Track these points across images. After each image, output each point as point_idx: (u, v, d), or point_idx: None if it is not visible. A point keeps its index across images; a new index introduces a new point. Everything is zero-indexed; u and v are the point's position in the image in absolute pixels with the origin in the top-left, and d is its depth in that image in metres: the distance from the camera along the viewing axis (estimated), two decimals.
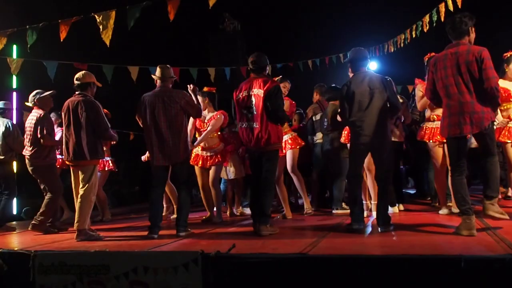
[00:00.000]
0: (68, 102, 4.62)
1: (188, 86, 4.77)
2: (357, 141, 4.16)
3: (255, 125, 4.16)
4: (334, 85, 6.01)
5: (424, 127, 4.92)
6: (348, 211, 5.47)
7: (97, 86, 4.79)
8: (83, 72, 4.76)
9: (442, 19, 7.07)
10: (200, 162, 5.48)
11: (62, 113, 4.67)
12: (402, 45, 8.60)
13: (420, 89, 4.89)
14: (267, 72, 4.41)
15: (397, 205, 5.53)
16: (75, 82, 4.66)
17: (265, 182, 4.23)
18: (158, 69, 4.57)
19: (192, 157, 5.44)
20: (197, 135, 5.54)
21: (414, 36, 8.09)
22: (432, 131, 4.81)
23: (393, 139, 5.38)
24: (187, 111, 4.51)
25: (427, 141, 4.87)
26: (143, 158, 6.00)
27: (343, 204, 5.68)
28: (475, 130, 3.56)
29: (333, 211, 5.67)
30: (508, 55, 5.08)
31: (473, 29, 3.70)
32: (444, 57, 3.68)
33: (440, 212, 4.90)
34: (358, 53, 4.29)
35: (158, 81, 4.55)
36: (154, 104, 4.40)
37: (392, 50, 9.01)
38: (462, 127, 3.57)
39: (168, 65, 4.63)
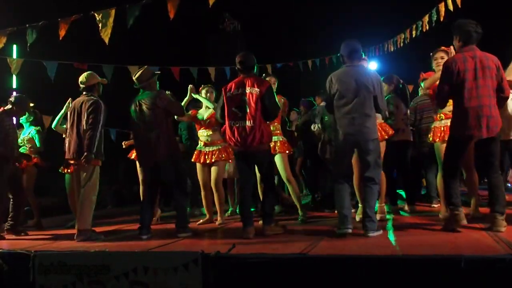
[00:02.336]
0: (74, 102, 4.67)
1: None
2: (340, 139, 3.99)
3: (248, 124, 4.10)
4: None
5: (434, 128, 4.61)
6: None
7: (105, 84, 4.84)
8: (86, 74, 4.73)
9: (442, 19, 7.08)
10: (202, 159, 5.30)
11: (68, 112, 4.71)
12: (401, 44, 8.60)
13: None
14: (254, 71, 4.38)
15: (405, 204, 5.48)
16: (80, 85, 4.68)
17: (266, 183, 4.24)
18: (135, 79, 4.61)
19: (194, 155, 5.39)
20: (199, 134, 5.45)
21: (414, 36, 8.09)
22: (441, 130, 4.49)
23: (402, 138, 5.36)
24: (165, 109, 4.47)
25: (436, 141, 4.52)
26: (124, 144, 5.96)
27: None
28: (491, 134, 3.59)
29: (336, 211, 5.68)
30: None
31: None
32: (464, 59, 3.66)
33: (441, 216, 4.60)
34: (348, 46, 4.07)
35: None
36: (135, 106, 4.53)
37: (392, 50, 9.01)
38: (481, 130, 3.58)
39: (143, 67, 4.65)
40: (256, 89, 4.13)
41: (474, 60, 3.63)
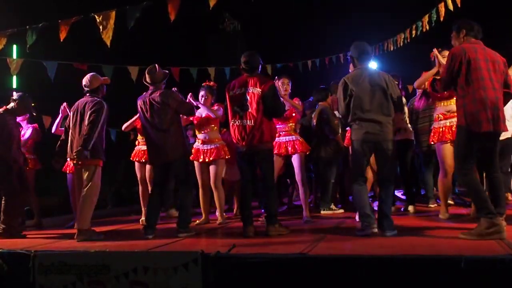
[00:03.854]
0: (77, 103, 4.68)
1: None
2: (358, 142, 3.95)
3: (248, 123, 4.14)
4: (323, 86, 6.02)
5: (433, 129, 4.63)
6: (336, 211, 5.52)
7: (107, 84, 4.87)
8: (88, 77, 4.73)
9: (442, 19, 7.08)
10: (201, 157, 5.28)
11: (71, 113, 4.72)
12: (401, 44, 8.60)
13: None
14: (259, 71, 4.39)
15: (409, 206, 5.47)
16: (84, 88, 4.70)
17: (266, 182, 4.24)
18: (146, 75, 4.63)
19: (192, 153, 5.37)
20: (197, 132, 5.48)
21: (414, 35, 8.09)
22: (440, 131, 4.52)
23: (404, 137, 5.37)
24: (177, 110, 4.49)
25: (435, 143, 4.55)
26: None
27: (332, 205, 5.70)
28: (506, 128, 3.54)
29: (321, 212, 5.69)
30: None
31: None
32: (474, 49, 3.52)
33: (441, 216, 4.63)
34: (359, 47, 4.09)
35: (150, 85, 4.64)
36: (145, 106, 4.52)
37: (392, 49, 9.00)
38: (498, 123, 3.45)
39: (155, 66, 4.63)
40: (258, 88, 4.16)
41: (484, 52, 3.55)
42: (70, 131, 4.67)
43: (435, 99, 4.64)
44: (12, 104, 5.17)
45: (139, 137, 5.75)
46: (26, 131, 6.04)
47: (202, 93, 5.37)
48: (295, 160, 5.07)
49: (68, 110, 5.12)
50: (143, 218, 5.52)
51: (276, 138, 4.87)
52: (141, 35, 8.68)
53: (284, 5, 11.85)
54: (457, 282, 2.59)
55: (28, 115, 6.08)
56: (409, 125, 5.48)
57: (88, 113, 4.49)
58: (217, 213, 5.37)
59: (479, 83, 3.46)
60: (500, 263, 2.58)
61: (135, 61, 7.19)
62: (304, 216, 5.05)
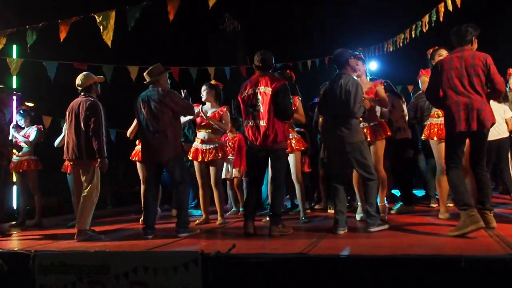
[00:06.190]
0: (73, 103, 4.67)
1: (182, 91, 4.87)
2: (326, 141, 4.32)
3: (261, 123, 4.13)
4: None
5: (429, 125, 4.68)
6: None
7: (101, 83, 4.84)
8: (81, 76, 4.72)
9: (441, 19, 7.08)
10: (200, 157, 5.25)
11: (67, 113, 4.70)
12: (401, 45, 8.61)
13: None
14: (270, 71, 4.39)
15: (400, 203, 5.47)
16: (77, 87, 4.69)
17: (276, 182, 4.24)
18: (145, 74, 4.62)
19: (191, 152, 5.36)
20: (197, 130, 5.46)
21: (413, 36, 8.10)
22: (439, 128, 4.54)
23: (404, 136, 5.45)
24: (174, 110, 4.46)
25: (434, 139, 4.58)
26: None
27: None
28: (480, 127, 3.62)
29: (328, 211, 5.71)
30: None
31: (476, 40, 3.83)
32: (450, 60, 3.77)
33: (441, 216, 4.62)
34: (337, 55, 4.26)
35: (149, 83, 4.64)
36: (143, 104, 4.50)
37: (392, 50, 9.01)
38: (470, 122, 3.60)
39: (157, 64, 4.64)
40: (269, 88, 4.15)
41: (460, 59, 3.72)
42: (66, 131, 4.68)
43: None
44: None
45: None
46: (32, 133, 6.04)
47: (203, 87, 5.39)
48: (291, 159, 5.03)
49: None
50: (143, 218, 5.52)
51: None
52: (141, 35, 8.68)
53: (284, 5, 11.86)
54: (457, 282, 2.60)
55: (29, 116, 6.13)
56: (407, 124, 5.50)
57: (84, 115, 4.47)
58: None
59: (451, 90, 3.72)
60: (500, 263, 2.59)
61: (135, 61, 7.20)
62: (301, 216, 5.04)
